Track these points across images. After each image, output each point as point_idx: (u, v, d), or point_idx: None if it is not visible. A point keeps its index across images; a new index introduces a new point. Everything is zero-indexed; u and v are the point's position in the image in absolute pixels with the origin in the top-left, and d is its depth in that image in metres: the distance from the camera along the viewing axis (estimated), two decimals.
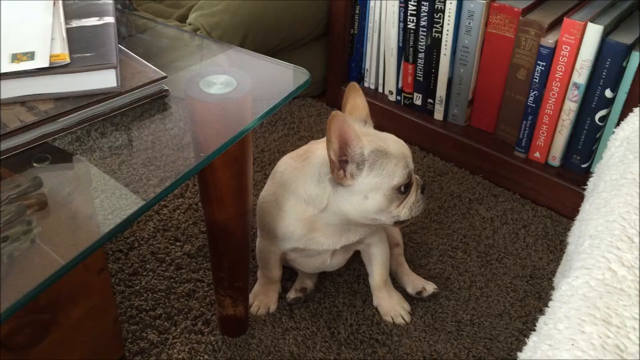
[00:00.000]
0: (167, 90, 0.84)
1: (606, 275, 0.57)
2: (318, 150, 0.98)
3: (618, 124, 0.87)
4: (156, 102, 0.83)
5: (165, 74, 0.83)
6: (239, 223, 0.96)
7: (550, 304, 0.62)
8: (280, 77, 0.91)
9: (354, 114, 0.97)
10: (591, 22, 1.23)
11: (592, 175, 0.88)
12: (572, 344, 0.52)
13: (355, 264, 1.22)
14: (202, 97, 0.84)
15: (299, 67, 0.90)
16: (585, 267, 0.61)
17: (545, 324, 0.58)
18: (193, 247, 1.26)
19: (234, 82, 0.86)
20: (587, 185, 0.89)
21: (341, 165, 0.91)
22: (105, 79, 0.79)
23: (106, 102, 0.79)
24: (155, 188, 0.72)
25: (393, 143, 0.95)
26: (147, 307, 1.13)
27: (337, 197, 0.95)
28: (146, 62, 0.85)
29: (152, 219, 1.31)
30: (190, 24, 1.51)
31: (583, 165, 1.38)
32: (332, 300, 1.16)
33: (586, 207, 0.76)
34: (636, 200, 0.64)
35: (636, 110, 0.83)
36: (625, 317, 0.52)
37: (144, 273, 1.20)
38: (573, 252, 0.72)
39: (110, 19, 0.87)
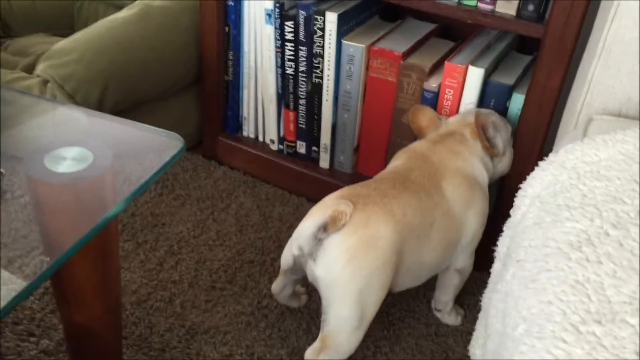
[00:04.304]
0: (0, 172, 0.66)
1: None
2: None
3: None
4: None
5: None
6: (106, 321, 0.79)
7: None
8: (148, 146, 0.76)
9: (432, 126, 1.17)
10: (472, 64, 1.21)
11: (502, 233, 0.82)
12: None
13: (258, 346, 1.09)
14: (48, 178, 0.67)
15: (171, 132, 0.76)
16: None
17: None
18: (52, 341, 1.05)
19: (89, 156, 0.70)
20: (496, 245, 0.83)
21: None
22: None
23: None
24: None
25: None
26: None
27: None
28: None
29: None
30: (38, 76, 1.32)
31: None
32: None
33: (506, 277, 0.69)
34: (570, 277, 0.57)
35: (542, 164, 0.78)
36: None
37: None
38: (501, 333, 0.64)
39: None
